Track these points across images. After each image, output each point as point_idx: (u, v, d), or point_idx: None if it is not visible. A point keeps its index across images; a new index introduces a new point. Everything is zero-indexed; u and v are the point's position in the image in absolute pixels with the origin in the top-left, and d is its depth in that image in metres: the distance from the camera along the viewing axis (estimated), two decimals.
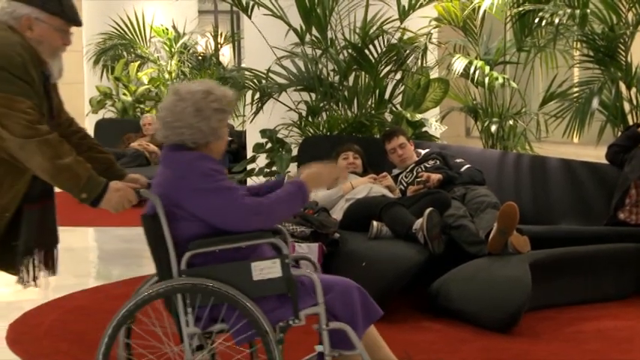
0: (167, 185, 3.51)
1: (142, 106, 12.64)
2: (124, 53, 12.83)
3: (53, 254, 3.71)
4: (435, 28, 7.90)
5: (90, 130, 12.63)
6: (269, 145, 7.58)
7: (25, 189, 3.47)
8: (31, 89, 3.26)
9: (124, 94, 12.59)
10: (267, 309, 3.47)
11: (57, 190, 3.57)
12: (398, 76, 7.79)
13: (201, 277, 3.47)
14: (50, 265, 3.71)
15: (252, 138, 8.01)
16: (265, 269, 3.48)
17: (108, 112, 12.78)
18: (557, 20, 6.85)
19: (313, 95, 7.73)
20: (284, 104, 7.69)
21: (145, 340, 3.64)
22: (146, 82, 12.62)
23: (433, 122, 7.94)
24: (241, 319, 3.43)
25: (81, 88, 14.21)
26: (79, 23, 3.53)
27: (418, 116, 7.67)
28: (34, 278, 3.69)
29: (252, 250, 3.52)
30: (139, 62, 12.75)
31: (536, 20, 7.14)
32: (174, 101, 3.56)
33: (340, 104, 7.75)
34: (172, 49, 12.70)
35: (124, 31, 12.76)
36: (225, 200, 3.47)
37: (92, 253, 8.49)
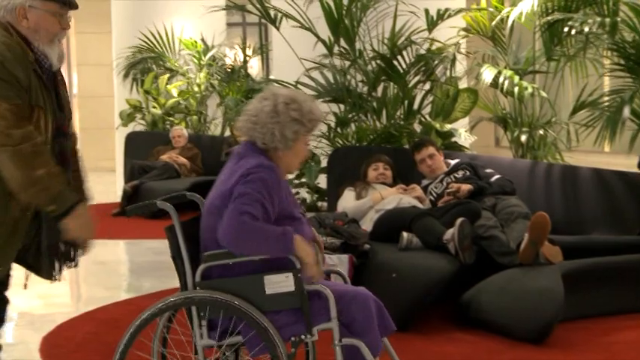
0: (227, 182, 3.54)
1: (171, 118, 12.68)
2: (154, 66, 12.88)
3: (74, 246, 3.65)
4: (463, 38, 7.88)
5: (120, 143, 12.72)
6: None
7: None
8: (11, 88, 3.22)
9: (154, 106, 12.64)
10: (282, 323, 3.46)
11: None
12: (427, 86, 7.78)
13: (215, 289, 3.47)
14: (72, 256, 3.66)
15: None
16: (278, 283, 3.47)
17: (138, 125, 12.83)
18: (586, 29, 6.81)
19: (342, 106, 7.73)
20: None
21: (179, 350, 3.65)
22: (175, 94, 12.66)
23: (462, 132, 7.91)
24: (249, 330, 3.44)
25: (111, 102, 14.30)
26: (74, 5, 3.49)
27: (447, 126, 7.65)
28: (60, 271, 3.66)
29: (267, 263, 3.50)
30: (168, 75, 12.80)
31: (566, 29, 7.11)
32: (261, 98, 3.62)
33: (369, 115, 7.74)
34: (201, 62, 12.74)
35: (154, 45, 12.82)
36: (221, 192, 3.50)
37: (123, 266, 8.52)
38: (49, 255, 3.53)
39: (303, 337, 3.48)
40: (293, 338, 3.49)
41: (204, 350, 3.51)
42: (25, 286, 3.67)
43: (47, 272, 3.60)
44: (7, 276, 3.64)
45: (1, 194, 3.29)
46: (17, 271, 3.66)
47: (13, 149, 3.18)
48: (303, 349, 3.63)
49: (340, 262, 5.63)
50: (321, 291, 3.50)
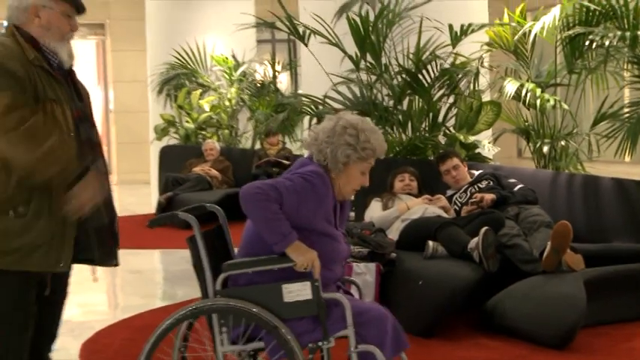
0: None
1: (203, 132, 12.74)
2: (187, 82, 12.94)
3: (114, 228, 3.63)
4: (486, 52, 7.87)
5: (154, 157, 12.80)
6: None
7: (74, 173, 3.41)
8: (8, 81, 3.22)
9: (187, 121, 12.71)
10: (300, 331, 3.48)
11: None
12: (451, 99, 7.78)
13: (235, 297, 3.49)
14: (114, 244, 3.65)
15: None
16: (296, 291, 3.48)
17: (171, 139, 12.90)
18: (607, 42, 6.79)
19: (368, 119, 7.73)
20: None
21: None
22: (207, 109, 12.72)
23: (486, 144, 7.90)
24: (270, 337, 3.46)
25: (146, 117, 14.39)
26: (82, 9, 3.52)
27: (471, 138, 7.64)
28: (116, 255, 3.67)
29: (286, 272, 3.51)
30: (200, 90, 12.86)
31: (587, 43, 7.09)
32: (328, 118, 3.69)
33: (395, 128, 7.75)
34: (232, 78, 12.79)
35: (186, 61, 12.89)
36: (276, 179, 3.56)
37: (158, 275, 8.56)
38: (98, 239, 3.53)
39: (320, 343, 3.50)
40: (311, 345, 3.51)
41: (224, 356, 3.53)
42: (95, 279, 3.68)
43: (101, 258, 3.59)
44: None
45: (45, 187, 3.29)
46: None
47: (15, 133, 3.19)
48: (318, 355, 3.64)
49: (368, 271, 5.64)
50: (338, 299, 3.52)
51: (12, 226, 3.27)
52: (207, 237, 3.58)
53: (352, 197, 3.88)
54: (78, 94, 3.54)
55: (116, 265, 3.65)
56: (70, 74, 3.54)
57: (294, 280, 3.49)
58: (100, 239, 3.54)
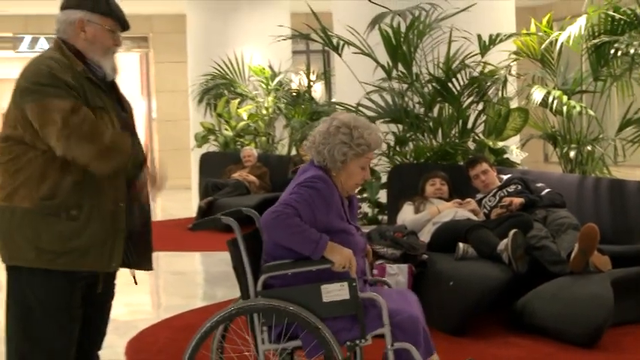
0: (287, 193, 3.63)
1: (241, 139, 12.78)
2: (225, 92, 13.00)
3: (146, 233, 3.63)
4: (514, 61, 7.82)
5: (195, 163, 12.86)
6: None
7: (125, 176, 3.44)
8: (62, 91, 3.26)
9: (226, 129, 12.75)
10: (338, 328, 3.48)
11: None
12: (480, 106, 7.72)
13: (275, 298, 3.49)
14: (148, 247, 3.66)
15: None
16: (334, 292, 3.48)
17: (211, 146, 12.96)
18: (632, 50, 6.73)
19: (400, 126, 7.71)
20: None
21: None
22: (245, 117, 12.76)
23: (514, 149, 7.84)
24: (309, 336, 3.46)
25: (187, 125, 14.47)
26: (126, 26, 3.55)
27: (500, 144, 7.59)
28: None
29: (324, 273, 3.51)
30: (238, 99, 12.90)
31: (612, 51, 7.03)
32: (322, 121, 3.74)
33: (426, 134, 7.71)
34: (269, 87, 12.83)
35: (225, 72, 12.95)
36: (284, 197, 3.55)
37: (199, 276, 8.59)
38: (132, 243, 3.54)
39: (357, 341, 3.49)
40: (348, 343, 3.50)
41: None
42: (135, 281, 3.72)
43: (136, 262, 3.61)
44: (109, 301, 3.68)
45: (94, 192, 3.32)
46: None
47: (78, 134, 3.23)
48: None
49: (400, 272, 5.63)
50: (375, 299, 3.51)
51: (66, 229, 3.30)
52: (245, 240, 3.58)
53: (356, 191, 3.88)
54: (121, 106, 3.57)
55: (150, 269, 3.65)
56: (114, 87, 3.57)
57: (333, 280, 3.48)
58: (134, 244, 3.55)
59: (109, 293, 3.62)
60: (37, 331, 3.35)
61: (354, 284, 3.47)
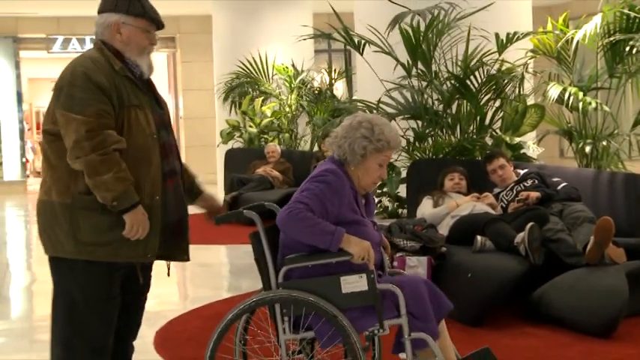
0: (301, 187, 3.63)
1: (265, 136, 12.80)
2: (250, 90, 13.03)
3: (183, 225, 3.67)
4: (530, 58, 7.78)
5: (220, 159, 12.89)
6: None
7: (160, 171, 3.48)
8: (90, 96, 3.31)
9: (250, 126, 12.78)
10: (354, 317, 3.47)
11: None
12: (497, 103, 7.70)
13: (296, 289, 3.49)
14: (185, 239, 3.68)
15: None
16: (353, 283, 3.48)
17: (236, 143, 12.99)
18: None
19: (420, 123, 7.70)
20: None
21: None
22: (269, 114, 12.78)
23: (530, 145, 7.81)
24: (324, 326, 3.46)
25: (213, 122, 14.52)
26: (161, 25, 3.60)
27: (516, 139, 7.56)
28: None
29: (343, 265, 3.51)
30: (262, 97, 12.93)
31: (627, 49, 7.01)
32: (346, 118, 3.75)
33: (444, 130, 7.70)
34: (292, 85, 12.84)
35: (250, 71, 12.97)
36: (296, 195, 3.54)
37: (225, 268, 8.62)
38: (169, 235, 3.57)
39: (375, 331, 3.49)
40: (367, 332, 3.50)
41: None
42: (169, 274, 3.76)
43: (173, 253, 3.64)
44: (145, 290, 3.71)
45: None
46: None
47: (84, 159, 3.28)
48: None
49: (420, 264, 5.62)
50: (392, 290, 3.51)
51: (102, 222, 3.36)
52: (267, 233, 3.59)
53: (375, 187, 3.87)
54: (157, 102, 3.62)
55: (187, 260, 3.69)
56: (150, 84, 3.62)
57: (352, 272, 3.48)
58: (172, 235, 3.58)
59: (145, 284, 3.66)
60: (80, 319, 3.42)
61: (372, 276, 3.47)
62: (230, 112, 13.16)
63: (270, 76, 13.03)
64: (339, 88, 15.57)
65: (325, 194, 3.52)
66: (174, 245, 3.62)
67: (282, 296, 3.50)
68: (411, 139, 7.71)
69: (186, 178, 3.75)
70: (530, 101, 8.01)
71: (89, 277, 3.40)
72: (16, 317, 6.65)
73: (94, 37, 3.59)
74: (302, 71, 12.89)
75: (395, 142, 3.68)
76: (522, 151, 7.63)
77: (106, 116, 3.32)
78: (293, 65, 12.90)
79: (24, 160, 18.32)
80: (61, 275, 3.46)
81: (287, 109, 12.88)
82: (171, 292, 7.04)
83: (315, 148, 12.41)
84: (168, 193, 3.51)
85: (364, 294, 3.47)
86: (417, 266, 5.61)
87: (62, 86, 3.38)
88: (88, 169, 3.29)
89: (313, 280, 3.51)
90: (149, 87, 3.60)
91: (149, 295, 3.78)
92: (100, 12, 3.55)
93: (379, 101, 7.66)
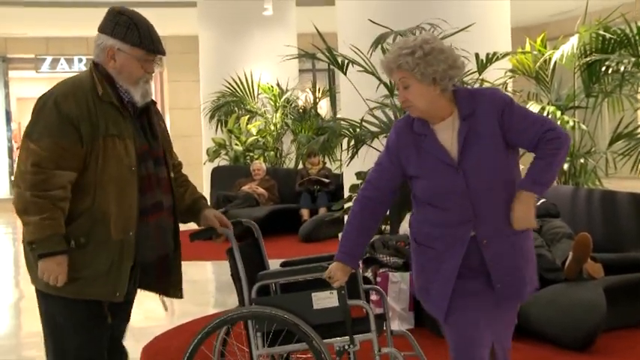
0: None
1: (251, 154, 12.80)
2: (236, 108, 13.05)
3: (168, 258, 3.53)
4: (510, 78, 7.82)
5: (207, 177, 12.87)
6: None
7: (138, 205, 3.29)
8: (58, 124, 3.17)
9: (236, 144, 12.78)
10: None
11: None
12: None
13: (269, 305, 3.49)
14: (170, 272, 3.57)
15: (349, 180, 8.03)
16: (324, 299, 3.47)
17: (222, 160, 12.98)
18: (622, 68, 6.74)
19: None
20: (376, 149, 7.69)
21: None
22: (255, 133, 12.79)
23: None
24: None
25: (199, 140, 14.51)
26: (161, 52, 3.43)
27: None
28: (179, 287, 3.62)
29: (312, 283, 3.50)
30: (248, 116, 12.94)
31: (603, 69, 7.05)
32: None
33: None
34: (277, 104, 12.86)
35: (236, 90, 12.99)
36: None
37: (211, 284, 8.59)
38: (155, 269, 3.48)
39: (346, 346, 3.48)
40: (337, 347, 3.49)
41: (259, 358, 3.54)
42: (165, 308, 3.71)
43: (163, 289, 3.57)
44: (128, 309, 3.60)
45: (101, 219, 3.22)
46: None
47: (19, 191, 3.19)
48: (345, 358, 3.61)
49: (402, 279, 5.62)
50: (362, 306, 3.50)
51: (74, 257, 3.22)
52: (244, 249, 3.58)
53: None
54: (151, 131, 3.43)
55: (180, 297, 3.59)
56: (147, 112, 3.44)
57: (323, 288, 3.46)
58: (153, 273, 3.50)
59: (123, 318, 3.55)
60: (67, 344, 3.32)
61: (342, 292, 3.45)
62: (216, 130, 13.16)
63: (256, 95, 13.05)
64: (323, 107, 15.60)
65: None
66: (161, 280, 3.52)
67: (250, 313, 3.49)
68: None
69: (187, 197, 3.65)
70: None
71: (70, 308, 3.29)
72: (3, 334, 6.61)
73: (82, 57, 3.52)
74: (287, 90, 12.92)
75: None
76: None
77: (60, 152, 3.16)
78: (278, 84, 12.93)
79: (12, 178, 18.25)
80: (44, 305, 3.36)
81: (272, 128, 12.89)
82: (157, 307, 6.99)
83: (300, 166, 12.43)
84: (147, 229, 3.33)
85: (335, 310, 3.46)
86: (400, 282, 5.61)
87: (34, 109, 3.27)
88: (18, 205, 3.18)
89: (286, 296, 3.53)
90: (144, 115, 3.42)
91: (136, 311, 3.74)
92: (99, 31, 3.37)
93: (362, 120, 7.67)
